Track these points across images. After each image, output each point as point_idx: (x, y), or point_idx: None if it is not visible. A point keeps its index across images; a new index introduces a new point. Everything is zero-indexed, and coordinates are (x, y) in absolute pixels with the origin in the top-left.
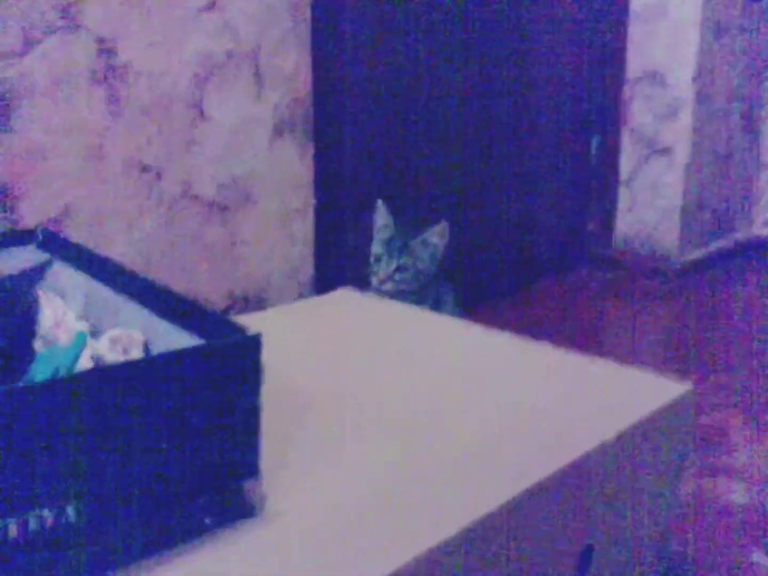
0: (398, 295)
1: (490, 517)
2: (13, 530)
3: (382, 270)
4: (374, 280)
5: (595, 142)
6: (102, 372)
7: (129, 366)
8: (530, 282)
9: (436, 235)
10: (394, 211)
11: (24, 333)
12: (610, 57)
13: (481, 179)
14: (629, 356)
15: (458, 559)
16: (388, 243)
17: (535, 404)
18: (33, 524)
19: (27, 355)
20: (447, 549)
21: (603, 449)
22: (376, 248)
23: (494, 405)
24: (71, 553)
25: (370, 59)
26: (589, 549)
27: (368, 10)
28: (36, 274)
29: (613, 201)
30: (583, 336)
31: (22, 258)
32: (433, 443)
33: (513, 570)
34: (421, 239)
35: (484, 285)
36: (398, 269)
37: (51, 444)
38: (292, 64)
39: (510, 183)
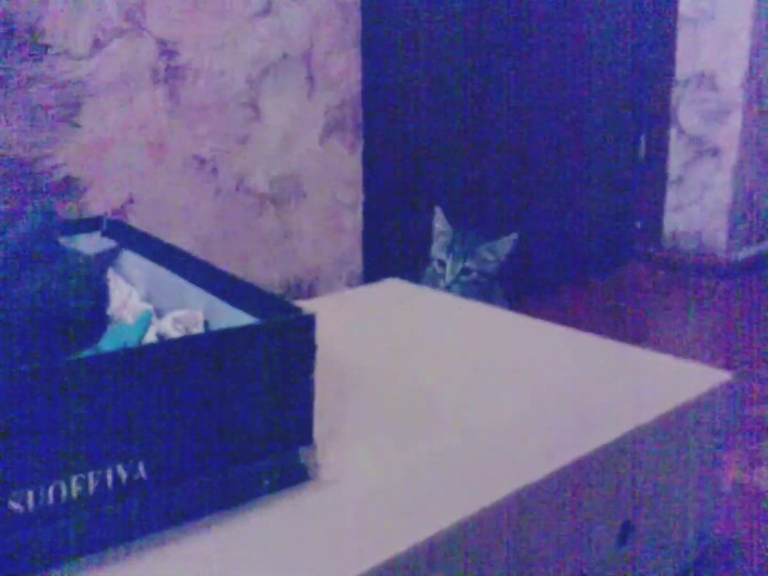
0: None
1: (531, 488)
2: (92, 483)
3: (448, 274)
4: (441, 283)
5: (643, 141)
6: (169, 345)
7: (195, 339)
8: (579, 279)
9: (506, 245)
10: (452, 216)
11: (99, 310)
12: (660, 59)
13: (530, 177)
14: (676, 351)
15: (501, 525)
16: (450, 247)
17: (577, 388)
18: (109, 479)
19: (101, 330)
20: (490, 515)
21: (641, 431)
22: (439, 253)
23: (537, 389)
24: (140, 507)
25: (418, 61)
26: (628, 525)
27: (418, 12)
28: (109, 257)
29: (662, 200)
30: (631, 332)
31: (89, 244)
32: (479, 420)
33: (556, 539)
34: (489, 246)
35: (533, 281)
36: (463, 271)
37: (125, 407)
38: (342, 66)
39: (560, 181)
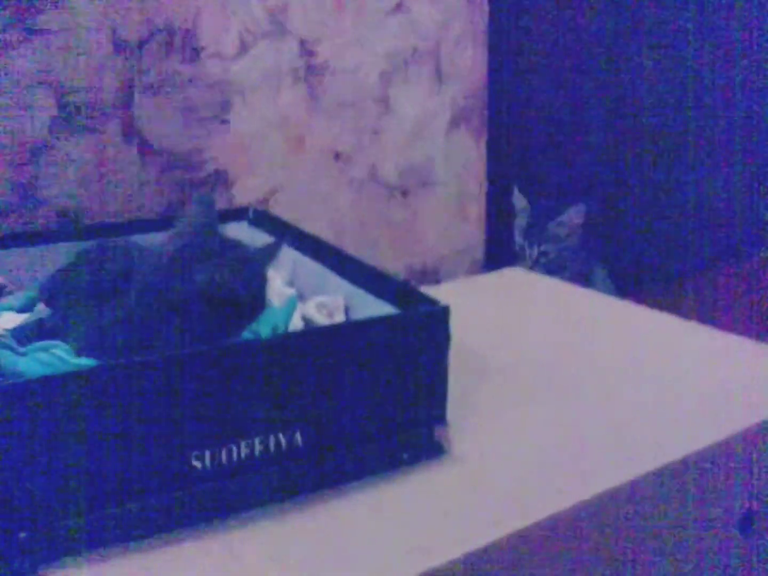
0: (549, 274)
1: (655, 475)
2: (257, 447)
3: (527, 259)
4: (524, 268)
5: None
6: (323, 330)
7: (343, 327)
8: (704, 267)
9: (573, 217)
10: (531, 195)
11: (261, 296)
12: None
13: (654, 163)
14: None
15: (627, 506)
16: (527, 231)
17: (697, 381)
18: (272, 445)
19: (259, 314)
20: (617, 496)
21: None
22: (518, 238)
23: (659, 379)
24: (296, 471)
25: (544, 52)
26: (751, 513)
27: (545, 6)
28: (273, 251)
29: None
30: (757, 323)
31: (237, 233)
32: (601, 406)
33: (680, 524)
34: (558, 222)
35: (658, 268)
36: (541, 254)
37: (287, 385)
38: (469, 60)
39: (686, 166)
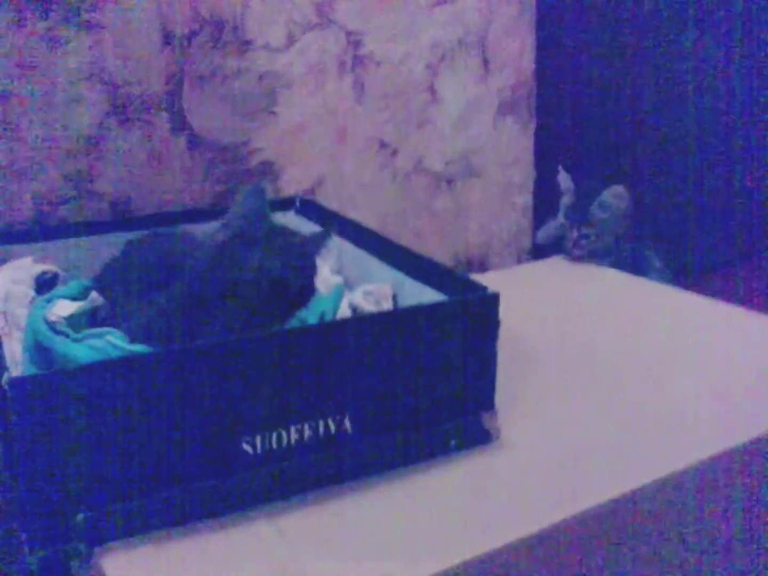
0: (592, 258)
1: (706, 463)
2: (306, 432)
3: (568, 240)
4: (565, 250)
5: None
6: (373, 317)
7: (394, 314)
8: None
9: (613, 197)
10: (576, 175)
11: (310, 283)
12: None
13: (707, 148)
14: None
15: (666, 496)
16: (570, 211)
17: (749, 370)
18: (321, 429)
19: (308, 300)
20: (656, 488)
21: None
22: (561, 218)
23: (707, 368)
24: (346, 456)
25: (591, 44)
26: None
27: None
28: (323, 239)
29: None
30: None
31: (284, 222)
32: (650, 395)
33: (718, 517)
34: (598, 202)
35: (712, 252)
36: (581, 237)
37: (337, 371)
38: (516, 50)
39: (740, 151)
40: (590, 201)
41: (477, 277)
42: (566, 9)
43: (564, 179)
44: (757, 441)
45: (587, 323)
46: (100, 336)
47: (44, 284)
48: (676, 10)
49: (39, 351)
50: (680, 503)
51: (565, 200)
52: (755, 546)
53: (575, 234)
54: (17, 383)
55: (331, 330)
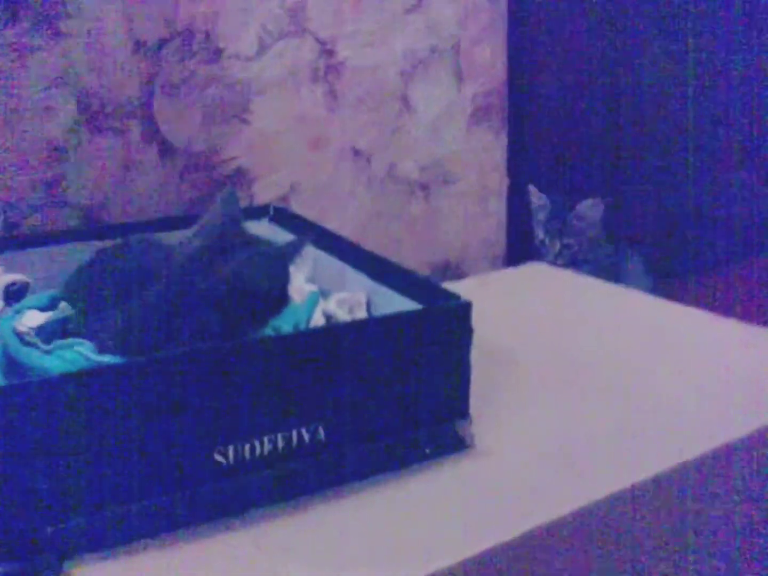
0: (572, 265)
1: (678, 470)
2: (280, 443)
3: (549, 253)
4: (547, 261)
5: None
6: (346, 327)
7: (366, 323)
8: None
9: (587, 208)
10: (549, 190)
11: (284, 292)
12: None
13: (684, 155)
14: None
15: (652, 500)
16: (547, 225)
17: (724, 376)
18: (295, 439)
19: (282, 309)
20: (631, 495)
21: None
22: (539, 233)
23: (681, 373)
24: (320, 465)
25: (563, 52)
26: None
27: (564, 3)
28: (297, 248)
29: None
30: None
31: (258, 230)
32: (624, 401)
33: (716, 516)
34: (575, 214)
35: (694, 258)
36: (564, 247)
37: (309, 380)
38: (488, 58)
39: (709, 161)
40: (567, 212)
41: (452, 284)
42: (539, 17)
43: (536, 197)
44: (727, 448)
45: (560, 330)
46: (70, 347)
47: (13, 295)
48: (650, 18)
49: (8, 362)
50: (656, 509)
51: (540, 217)
52: (740, 545)
53: (558, 245)
54: None
55: (305, 338)
